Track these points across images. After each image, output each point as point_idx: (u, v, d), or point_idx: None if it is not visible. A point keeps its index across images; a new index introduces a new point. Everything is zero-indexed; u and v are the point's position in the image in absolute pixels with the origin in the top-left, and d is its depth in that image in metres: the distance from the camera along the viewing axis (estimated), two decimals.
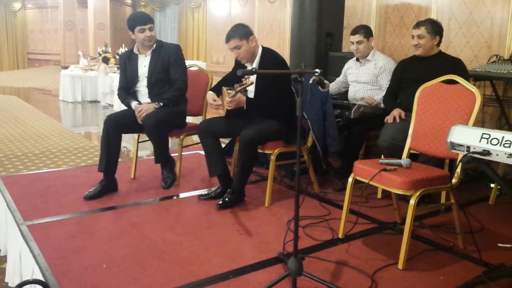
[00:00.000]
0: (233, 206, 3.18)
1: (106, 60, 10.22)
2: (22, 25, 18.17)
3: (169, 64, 3.54)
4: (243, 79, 2.89)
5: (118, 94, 3.70)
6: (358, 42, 3.89)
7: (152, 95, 3.55)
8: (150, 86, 3.55)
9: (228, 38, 3.22)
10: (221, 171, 3.29)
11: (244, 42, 3.19)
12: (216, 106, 3.35)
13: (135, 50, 3.61)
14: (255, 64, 3.27)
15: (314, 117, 3.47)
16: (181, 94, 3.60)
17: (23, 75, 16.02)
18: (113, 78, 9.48)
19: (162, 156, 3.57)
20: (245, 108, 3.16)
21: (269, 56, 3.29)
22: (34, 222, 2.82)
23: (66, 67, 12.20)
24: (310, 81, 3.00)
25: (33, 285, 2.17)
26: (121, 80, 3.68)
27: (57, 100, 10.55)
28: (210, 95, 3.38)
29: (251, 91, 3.30)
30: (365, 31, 3.90)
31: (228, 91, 3.15)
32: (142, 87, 3.58)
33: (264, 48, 3.33)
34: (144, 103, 3.53)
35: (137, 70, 3.58)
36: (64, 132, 6.75)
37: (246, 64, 3.37)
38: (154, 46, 3.56)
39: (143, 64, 3.58)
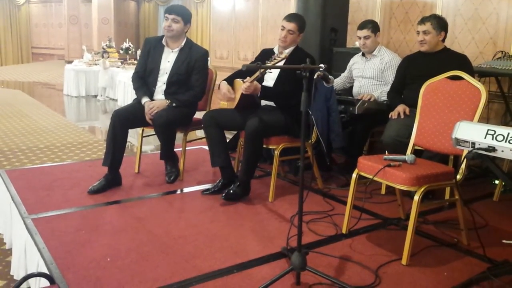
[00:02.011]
0: (238, 198, 3.19)
1: (103, 55, 10.22)
2: (26, 19, 18.19)
3: (194, 69, 3.53)
4: (273, 57, 3.07)
5: (132, 78, 3.65)
6: (365, 37, 3.88)
7: (168, 93, 3.53)
8: (169, 83, 3.53)
9: (290, 19, 3.38)
10: (223, 162, 3.30)
11: (297, 33, 3.38)
12: (228, 99, 3.36)
13: (163, 41, 3.58)
14: (287, 51, 3.37)
15: (318, 112, 3.47)
16: (196, 100, 3.61)
17: (27, 69, 16.05)
18: (115, 73, 9.50)
19: (168, 153, 3.58)
20: (259, 95, 3.20)
21: (301, 51, 3.41)
22: (39, 215, 2.83)
23: (70, 62, 12.22)
24: (315, 77, 3.00)
25: (38, 278, 2.19)
26: (140, 65, 3.64)
27: (61, 95, 10.57)
28: (226, 85, 3.40)
29: (271, 78, 3.35)
30: (373, 26, 3.89)
31: (245, 79, 3.22)
32: (160, 82, 3.55)
33: (298, 46, 3.46)
34: (156, 99, 3.52)
35: (159, 62, 3.54)
36: (68, 127, 6.77)
37: (274, 49, 3.49)
38: (183, 44, 3.54)
39: (168, 59, 3.55)
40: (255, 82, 3.13)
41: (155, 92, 3.57)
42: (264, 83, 3.34)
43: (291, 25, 3.35)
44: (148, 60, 3.58)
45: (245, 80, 3.16)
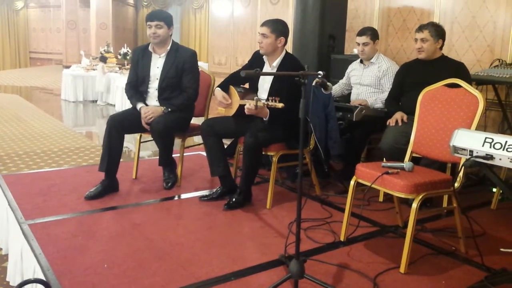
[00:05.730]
0: (240, 206, 3.18)
1: (104, 60, 10.23)
2: (25, 24, 18.17)
3: (183, 71, 3.52)
4: (270, 99, 2.96)
5: (125, 89, 3.66)
6: (364, 44, 3.89)
7: (162, 98, 3.52)
8: (160, 89, 3.52)
9: (264, 24, 3.30)
10: (222, 171, 3.29)
11: (272, 36, 3.24)
12: (225, 106, 3.36)
13: (149, 48, 3.58)
14: (275, 64, 3.31)
15: (316, 119, 3.47)
16: (190, 103, 3.60)
17: (25, 74, 16.02)
18: (113, 78, 9.49)
19: (167, 159, 3.58)
20: (266, 119, 3.14)
21: (291, 60, 3.34)
22: (36, 221, 2.82)
23: (68, 67, 12.20)
24: (313, 83, 3.00)
25: (34, 284, 2.17)
26: (131, 76, 3.65)
27: (58, 100, 10.54)
28: (221, 92, 3.38)
29: (265, 90, 3.32)
30: (372, 33, 3.91)
31: (238, 92, 3.23)
32: (152, 89, 3.56)
33: (287, 53, 3.38)
34: (151, 105, 3.51)
35: (149, 69, 3.55)
36: (66, 132, 6.75)
37: (264, 58, 3.39)
38: (169, 48, 3.54)
39: (156, 65, 3.55)
40: (262, 107, 3.06)
41: (148, 99, 3.58)
42: (258, 96, 3.32)
43: (263, 29, 3.28)
44: (138, 69, 3.59)
45: (238, 91, 3.13)
